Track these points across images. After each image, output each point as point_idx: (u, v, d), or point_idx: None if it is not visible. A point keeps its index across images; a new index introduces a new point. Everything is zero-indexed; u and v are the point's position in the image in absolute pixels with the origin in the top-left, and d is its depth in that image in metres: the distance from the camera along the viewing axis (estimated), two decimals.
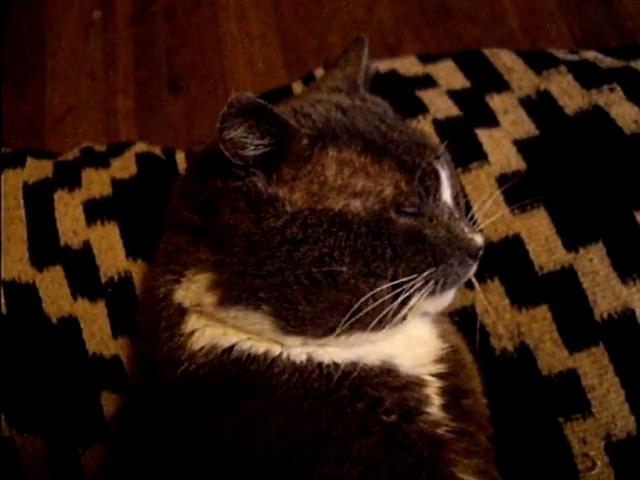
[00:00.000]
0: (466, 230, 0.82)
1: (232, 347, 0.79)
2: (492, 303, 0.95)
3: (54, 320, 1.00)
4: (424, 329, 0.88)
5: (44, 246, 1.04)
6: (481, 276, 0.95)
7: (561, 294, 0.93)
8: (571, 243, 0.94)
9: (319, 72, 1.18)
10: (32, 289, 1.02)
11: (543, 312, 0.93)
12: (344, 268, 0.76)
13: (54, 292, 1.01)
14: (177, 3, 1.96)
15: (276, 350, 0.79)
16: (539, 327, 0.92)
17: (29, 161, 1.14)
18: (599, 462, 0.87)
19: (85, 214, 1.06)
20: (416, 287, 0.78)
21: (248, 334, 0.80)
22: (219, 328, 0.81)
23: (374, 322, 0.77)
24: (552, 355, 0.91)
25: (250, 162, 0.77)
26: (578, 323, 0.92)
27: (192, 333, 0.81)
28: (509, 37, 1.74)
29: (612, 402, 0.88)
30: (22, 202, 1.08)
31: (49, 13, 1.96)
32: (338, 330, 0.76)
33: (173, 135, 1.66)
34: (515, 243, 0.96)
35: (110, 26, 1.94)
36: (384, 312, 0.77)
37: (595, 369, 0.89)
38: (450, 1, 1.87)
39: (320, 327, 0.77)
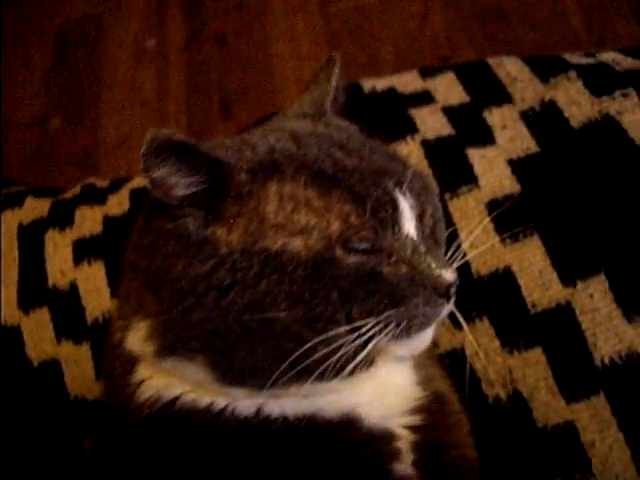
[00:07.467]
0: (433, 265, 0.74)
1: (176, 399, 0.76)
2: (482, 345, 0.87)
3: (35, 364, 1.00)
4: (400, 375, 0.80)
5: (32, 288, 1.05)
6: (469, 315, 0.87)
7: (557, 335, 0.86)
8: (568, 276, 0.86)
9: None
10: (17, 332, 1.02)
11: (537, 356, 0.85)
12: (281, 314, 0.69)
13: (38, 335, 1.01)
14: (228, 27, 1.99)
15: (221, 403, 0.75)
16: (533, 373, 0.84)
17: (27, 201, 1.15)
18: None
19: (73, 254, 1.05)
20: (374, 331, 0.71)
21: (192, 385, 0.75)
22: (164, 379, 0.77)
23: (326, 370, 0.70)
24: (548, 405, 0.83)
25: (186, 202, 0.73)
26: (576, 369, 0.84)
27: (141, 383, 0.78)
28: (572, 39, 1.66)
29: (615, 462, 0.79)
30: (16, 244, 1.09)
31: (104, 44, 2.03)
32: (280, 381, 0.71)
33: None
34: (505, 277, 0.88)
35: (163, 54, 1.99)
36: (335, 359, 0.70)
37: (595, 423, 0.80)
38: (506, 3, 1.79)
39: (261, 378, 0.72)
